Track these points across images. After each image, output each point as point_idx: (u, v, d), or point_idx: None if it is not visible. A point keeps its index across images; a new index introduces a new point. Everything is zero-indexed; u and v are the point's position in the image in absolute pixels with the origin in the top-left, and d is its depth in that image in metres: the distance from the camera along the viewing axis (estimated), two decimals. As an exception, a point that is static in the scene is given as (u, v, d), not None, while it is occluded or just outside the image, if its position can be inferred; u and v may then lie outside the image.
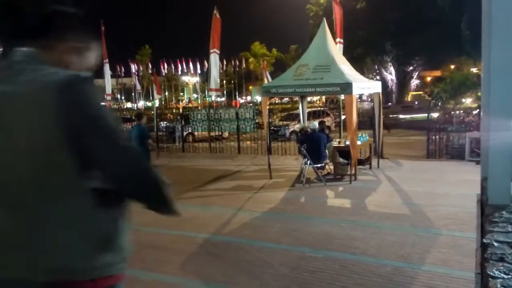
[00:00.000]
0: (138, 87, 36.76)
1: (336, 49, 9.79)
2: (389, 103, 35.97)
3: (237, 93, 44.23)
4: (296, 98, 15.66)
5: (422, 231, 5.55)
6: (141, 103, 41.61)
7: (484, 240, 1.35)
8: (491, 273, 1.11)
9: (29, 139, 1.13)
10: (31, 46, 1.23)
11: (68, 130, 1.11)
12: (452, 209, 6.46)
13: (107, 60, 18.03)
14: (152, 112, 25.05)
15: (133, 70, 33.51)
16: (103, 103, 1.24)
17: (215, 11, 15.60)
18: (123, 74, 36.06)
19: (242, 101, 48.04)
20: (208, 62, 17.78)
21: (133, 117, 13.06)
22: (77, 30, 1.32)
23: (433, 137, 12.39)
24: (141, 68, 37.74)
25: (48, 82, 1.12)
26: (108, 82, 18.87)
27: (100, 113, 1.18)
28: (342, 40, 11.39)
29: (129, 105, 47.68)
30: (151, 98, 40.53)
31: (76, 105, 1.13)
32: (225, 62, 39.42)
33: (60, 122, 1.10)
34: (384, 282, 4.05)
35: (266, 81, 21.94)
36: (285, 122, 20.17)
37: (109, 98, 20.28)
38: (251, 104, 17.45)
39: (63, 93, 1.10)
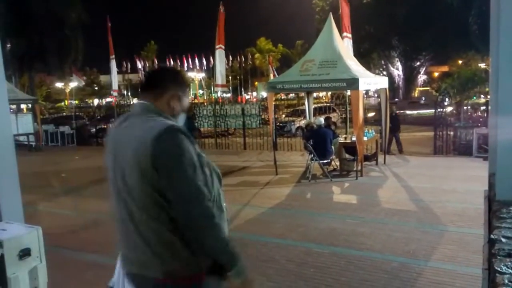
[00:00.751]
0: (144, 83, 36.84)
1: (342, 44, 9.74)
2: (396, 99, 35.76)
3: (242, 89, 44.20)
4: (302, 94, 15.61)
5: (428, 227, 5.53)
6: (147, 99, 41.70)
7: (492, 236, 1.34)
8: (499, 269, 1.10)
9: (137, 168, 1.51)
10: (146, 97, 1.68)
11: (154, 170, 1.48)
12: (459, 205, 6.42)
13: (113, 56, 18.07)
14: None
15: (139, 66, 33.51)
16: (188, 148, 1.54)
17: (220, 7, 15.60)
18: (129, 70, 36.11)
19: (248, 97, 48.00)
20: (214, 58, 17.78)
21: None
22: (177, 81, 1.72)
23: (440, 133, 12.30)
24: (147, 64, 37.77)
25: (151, 131, 1.50)
26: (115, 78, 18.90)
27: (175, 165, 1.49)
28: (350, 35, 11.30)
29: (135, 101, 47.82)
30: (157, 94, 40.57)
31: (158, 154, 1.48)
32: (230, 58, 39.31)
33: (151, 163, 1.48)
34: (390, 278, 4.05)
35: (272, 77, 21.87)
36: (291, 118, 20.12)
37: (116, 94, 20.32)
38: (259, 102, 17.39)
39: (155, 142, 1.48)
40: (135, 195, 1.55)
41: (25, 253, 2.61)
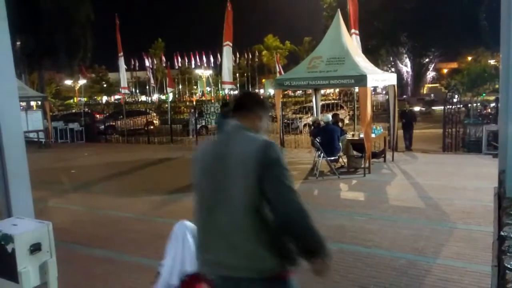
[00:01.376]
0: (152, 80, 37.01)
1: (350, 40, 9.68)
2: (404, 96, 35.49)
3: (250, 86, 44.19)
4: (310, 91, 15.57)
5: (437, 224, 5.50)
6: (155, 96, 41.94)
7: (502, 233, 1.33)
8: (509, 266, 1.10)
9: (242, 175, 1.80)
10: (236, 117, 2.00)
11: (258, 176, 1.77)
12: (468, 203, 6.37)
13: (121, 54, 18.15)
14: (166, 105, 25.27)
15: (147, 63, 33.68)
16: (282, 156, 1.86)
17: (228, 4, 15.58)
18: (137, 68, 36.31)
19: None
20: (221, 55, 17.79)
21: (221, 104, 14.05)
22: (260, 105, 2.07)
23: (449, 130, 12.20)
24: (155, 62, 37.94)
25: (253, 144, 1.84)
26: (123, 76, 19.00)
27: (277, 172, 1.80)
28: (357, 32, 11.23)
29: (143, 98, 48.13)
30: (165, 91, 40.77)
31: (262, 162, 1.78)
32: (238, 55, 39.31)
33: (256, 170, 1.77)
34: (398, 275, 4.03)
35: (278, 75, 21.80)
36: (298, 115, 20.08)
37: (124, 91, 20.43)
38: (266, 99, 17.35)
39: (259, 153, 1.79)
40: (237, 200, 1.80)
41: (35, 248, 2.64)
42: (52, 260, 2.76)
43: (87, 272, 4.46)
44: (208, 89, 48.61)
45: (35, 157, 12.26)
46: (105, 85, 53.38)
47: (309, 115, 17.24)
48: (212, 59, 37.90)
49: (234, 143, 1.88)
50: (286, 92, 32.59)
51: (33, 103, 22.68)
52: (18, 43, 24.06)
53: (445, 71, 49.42)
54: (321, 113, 12.26)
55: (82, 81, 36.24)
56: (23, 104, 18.30)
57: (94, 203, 7.54)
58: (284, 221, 1.79)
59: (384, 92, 31.23)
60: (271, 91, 40.43)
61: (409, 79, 40.29)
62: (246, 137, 1.89)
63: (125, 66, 19.77)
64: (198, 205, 1.97)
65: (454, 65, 45.36)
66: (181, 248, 2.53)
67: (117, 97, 52.53)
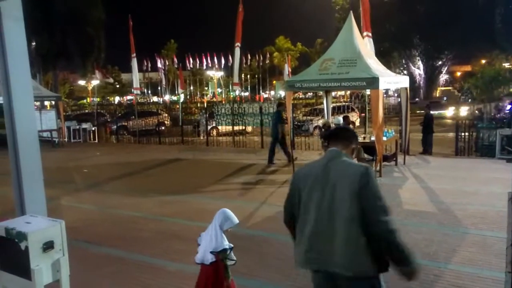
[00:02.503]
0: (164, 81, 37.26)
1: (362, 42, 9.62)
2: (416, 99, 35.16)
3: (261, 88, 44.19)
4: (321, 93, 15.52)
5: (449, 229, 5.44)
6: (166, 97, 42.19)
7: (516, 239, 1.31)
8: (523, 272, 1.08)
9: (350, 192, 2.20)
10: (336, 145, 2.44)
11: (359, 195, 2.18)
12: (481, 208, 6.28)
13: (134, 55, 18.31)
14: (178, 106, 25.42)
15: (159, 64, 33.90)
16: (376, 180, 2.26)
17: (240, 6, 15.65)
18: (149, 69, 36.59)
19: (266, 96, 47.91)
20: (232, 57, 17.85)
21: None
22: (355, 138, 2.52)
23: (462, 133, 12.04)
24: (167, 63, 38.16)
25: (357, 169, 2.27)
26: (136, 76, 19.15)
27: (374, 194, 2.21)
28: (370, 34, 11.16)
29: (155, 99, 48.44)
30: (176, 92, 40.98)
31: (363, 185, 2.20)
32: (249, 57, 39.33)
33: (358, 190, 2.18)
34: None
35: (287, 77, 21.70)
36: (308, 117, 20.04)
37: (137, 92, 20.59)
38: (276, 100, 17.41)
39: (361, 177, 2.21)
40: (345, 213, 2.19)
41: (48, 246, 2.67)
42: (64, 258, 2.78)
43: (98, 271, 4.50)
44: (219, 90, 48.74)
45: (48, 156, 12.43)
46: (117, 86, 53.90)
47: (320, 118, 17.18)
48: (223, 61, 37.99)
49: (340, 166, 2.31)
50: (296, 94, 32.51)
51: (47, 103, 23.00)
52: (33, 43, 24.43)
53: (458, 74, 48.84)
54: (331, 115, 12.21)
55: (95, 82, 36.67)
56: (37, 103, 18.56)
57: (105, 202, 7.62)
58: (380, 232, 2.19)
59: (396, 94, 30.97)
60: (282, 93, 40.38)
61: (421, 82, 39.91)
62: (349, 162, 2.34)
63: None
64: (306, 214, 2.34)
65: (468, 68, 44.81)
66: (213, 229, 3.06)
67: (129, 97, 53.00)
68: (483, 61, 39.34)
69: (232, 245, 3.08)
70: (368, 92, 11.32)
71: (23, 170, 3.87)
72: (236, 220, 3.10)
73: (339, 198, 2.23)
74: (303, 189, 2.37)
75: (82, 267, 4.27)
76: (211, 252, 3.01)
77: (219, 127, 17.67)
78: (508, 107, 16.00)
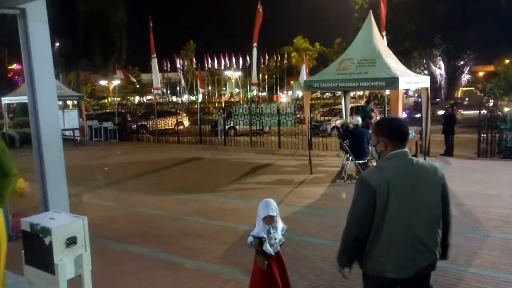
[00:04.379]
0: (183, 81, 37.61)
1: (382, 42, 9.52)
2: (437, 99, 34.49)
3: (278, 88, 44.12)
4: (339, 93, 15.39)
5: (470, 232, 5.33)
6: (185, 97, 42.58)
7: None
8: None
9: (437, 190, 2.41)
10: (403, 146, 2.46)
11: (442, 193, 2.42)
12: (504, 211, 6.14)
13: (155, 55, 18.53)
14: (196, 106, 25.60)
15: (178, 65, 34.23)
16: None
17: (258, 6, 15.67)
18: (168, 69, 37.01)
19: (283, 96, 47.81)
20: (250, 57, 17.88)
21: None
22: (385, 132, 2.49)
23: (485, 135, 11.76)
24: (186, 63, 38.52)
25: (436, 168, 2.44)
26: (156, 77, 19.37)
27: (447, 189, 2.44)
28: (384, 33, 11.06)
29: (174, 99, 48.91)
30: (195, 92, 41.28)
31: (444, 183, 2.44)
32: (267, 57, 39.34)
33: (441, 189, 2.42)
34: (428, 283, 3.93)
35: (305, 77, 21.57)
36: (326, 118, 19.92)
37: (156, 91, 20.84)
38: (294, 101, 17.38)
39: (441, 175, 2.44)
40: (435, 211, 2.37)
41: (71, 241, 2.75)
42: (87, 254, 2.86)
43: (116, 267, 4.59)
44: (237, 90, 48.90)
45: (71, 154, 12.71)
46: (137, 86, 54.69)
47: (338, 118, 17.05)
48: (241, 61, 38.10)
49: (424, 168, 2.41)
50: (314, 94, 32.34)
51: (69, 102, 23.52)
52: (57, 44, 25.03)
53: (481, 74, 47.69)
54: (350, 115, 12.10)
55: (116, 82, 37.28)
56: (60, 103, 19.01)
57: (126, 200, 7.75)
58: (449, 224, 2.50)
59: (416, 95, 30.45)
60: (300, 93, 40.19)
61: (442, 82, 39.13)
62: (427, 164, 2.46)
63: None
64: (399, 215, 2.29)
65: (491, 68, 43.70)
66: (258, 216, 3.38)
67: (149, 97, 53.67)
68: (507, 61, 38.30)
69: (265, 237, 3.32)
70: (387, 92, 11.18)
71: (47, 167, 3.98)
72: (269, 211, 3.36)
73: (430, 198, 2.36)
74: (395, 190, 2.26)
75: (101, 263, 4.36)
76: (252, 236, 3.33)
77: (237, 127, 17.73)
78: None
